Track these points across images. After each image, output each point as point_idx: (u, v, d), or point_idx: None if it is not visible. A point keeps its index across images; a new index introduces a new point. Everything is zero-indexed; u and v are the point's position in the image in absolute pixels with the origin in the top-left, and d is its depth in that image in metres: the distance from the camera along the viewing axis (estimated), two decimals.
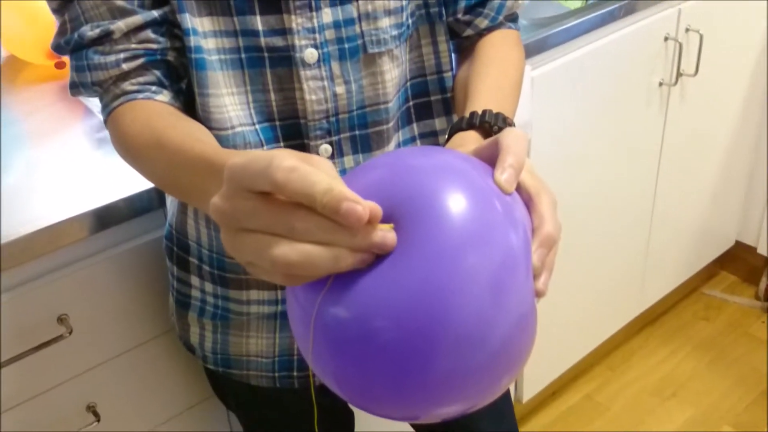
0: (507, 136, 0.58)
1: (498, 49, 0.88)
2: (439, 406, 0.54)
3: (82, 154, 1.10)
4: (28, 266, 0.97)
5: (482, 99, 0.78)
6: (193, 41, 0.75)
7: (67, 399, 1.06)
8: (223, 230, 0.48)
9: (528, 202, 0.58)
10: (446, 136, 0.76)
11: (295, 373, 0.93)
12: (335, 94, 0.79)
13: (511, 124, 0.74)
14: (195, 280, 0.92)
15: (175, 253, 0.94)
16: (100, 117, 1.14)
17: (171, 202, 0.93)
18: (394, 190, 0.53)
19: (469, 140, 0.71)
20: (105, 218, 0.99)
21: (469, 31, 0.89)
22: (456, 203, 0.51)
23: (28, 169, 1.08)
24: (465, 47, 0.91)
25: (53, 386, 1.04)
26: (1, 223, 0.95)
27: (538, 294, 0.56)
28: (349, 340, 0.51)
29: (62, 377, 1.04)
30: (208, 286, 0.91)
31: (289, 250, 0.46)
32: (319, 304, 0.52)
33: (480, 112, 0.73)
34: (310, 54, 0.77)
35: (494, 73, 0.83)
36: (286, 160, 0.45)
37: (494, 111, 0.73)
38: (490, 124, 0.72)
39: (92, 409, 1.08)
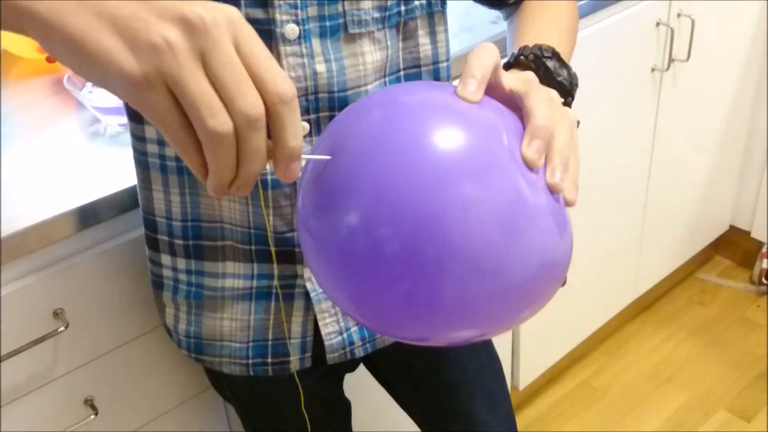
0: (471, 53, 0.58)
1: (544, 4, 0.87)
2: (449, 329, 0.56)
3: (75, 148, 1.10)
4: (22, 261, 0.97)
5: (525, 43, 0.77)
6: None
7: (64, 393, 1.06)
8: (180, 40, 0.46)
9: (521, 106, 0.58)
10: None
11: (269, 360, 0.92)
12: (315, 72, 0.78)
13: (556, 53, 0.71)
14: (166, 259, 0.92)
15: (145, 233, 0.93)
16: (93, 111, 1.14)
17: (138, 182, 0.91)
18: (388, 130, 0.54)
19: None
20: (98, 213, 0.99)
21: None
22: (458, 137, 0.53)
23: (20, 164, 1.08)
24: (513, 12, 0.91)
25: (50, 380, 1.04)
26: None
27: (555, 189, 0.55)
28: (360, 258, 0.53)
29: (59, 371, 1.04)
30: (181, 263, 0.90)
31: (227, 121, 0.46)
32: (325, 224, 0.55)
33: (516, 51, 0.73)
34: (291, 30, 0.76)
35: (539, 24, 0.83)
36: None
37: (530, 45, 0.72)
38: (525, 56, 0.71)
39: (90, 403, 1.09)
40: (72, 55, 0.47)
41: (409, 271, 0.52)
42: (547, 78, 0.71)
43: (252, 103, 0.47)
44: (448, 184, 0.51)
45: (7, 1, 0.48)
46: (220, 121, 0.46)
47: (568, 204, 0.57)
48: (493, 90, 0.60)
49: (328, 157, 0.55)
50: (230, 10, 0.47)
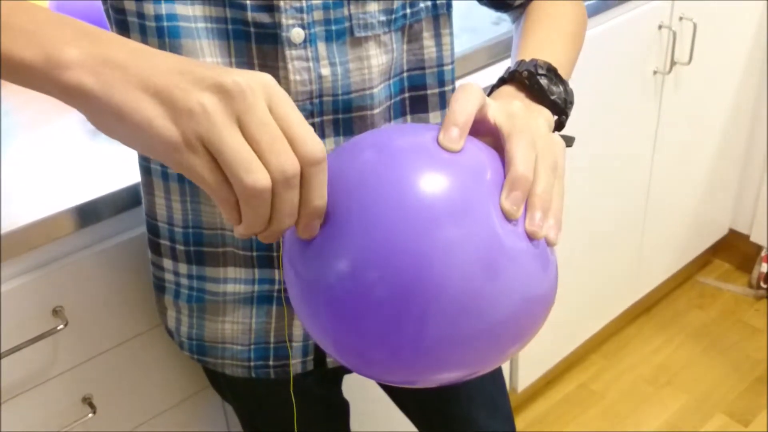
0: (454, 96, 0.59)
1: (550, 9, 0.87)
2: (436, 371, 0.56)
3: (75, 146, 1.10)
4: (22, 259, 0.97)
5: (525, 54, 0.77)
6: (165, 9, 0.73)
7: (63, 391, 1.06)
8: (216, 104, 0.48)
9: (503, 145, 0.59)
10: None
11: (271, 363, 0.92)
12: (320, 76, 0.78)
13: (552, 69, 0.72)
14: (167, 263, 0.91)
15: (147, 237, 0.93)
16: None
17: (141, 186, 0.91)
18: (376, 171, 0.56)
19: (502, 95, 0.71)
20: (98, 211, 0.99)
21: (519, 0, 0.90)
22: (437, 182, 0.54)
23: (20, 161, 1.08)
24: (519, 15, 0.91)
25: (49, 378, 1.04)
26: None
27: (534, 236, 0.56)
28: (346, 300, 0.54)
29: (58, 369, 1.04)
30: (182, 267, 0.90)
31: (264, 177, 0.48)
32: (310, 266, 0.56)
33: (513, 65, 0.73)
34: (297, 34, 0.76)
35: (542, 30, 0.83)
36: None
37: (527, 59, 0.73)
38: (519, 72, 0.71)
39: (88, 401, 1.08)
40: (119, 125, 0.50)
41: (391, 313, 0.53)
42: (540, 96, 0.71)
43: (288, 160, 0.49)
44: (429, 229, 0.52)
45: (59, 78, 0.50)
46: (257, 177, 0.48)
47: (549, 244, 0.58)
48: (479, 124, 0.60)
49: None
50: (264, 76, 0.50)
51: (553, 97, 0.70)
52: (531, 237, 0.56)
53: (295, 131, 0.50)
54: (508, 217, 0.55)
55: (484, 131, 0.61)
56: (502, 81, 0.73)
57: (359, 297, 0.53)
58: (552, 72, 0.72)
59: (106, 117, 0.50)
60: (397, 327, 0.53)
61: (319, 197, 0.52)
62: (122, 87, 0.49)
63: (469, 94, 0.59)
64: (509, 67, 0.73)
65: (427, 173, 0.54)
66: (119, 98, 0.49)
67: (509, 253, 0.54)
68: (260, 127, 0.48)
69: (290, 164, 0.49)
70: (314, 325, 0.57)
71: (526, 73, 0.71)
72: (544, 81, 0.71)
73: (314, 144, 0.50)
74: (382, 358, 0.55)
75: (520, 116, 0.62)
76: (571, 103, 0.73)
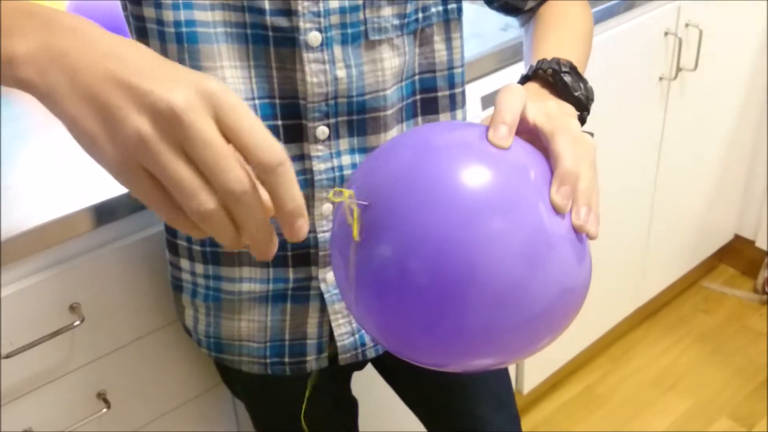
0: (500, 96, 0.60)
1: (561, 10, 0.89)
2: (470, 358, 0.58)
3: None
4: (40, 256, 0.99)
5: (543, 54, 0.79)
6: (183, 15, 0.75)
7: (78, 386, 1.08)
8: (151, 132, 0.45)
9: (547, 146, 0.61)
10: None
11: (287, 360, 0.94)
12: (336, 78, 0.80)
13: (573, 67, 0.74)
14: (185, 263, 0.94)
15: (165, 237, 0.95)
16: None
17: None
18: (419, 170, 0.57)
19: (530, 92, 0.72)
20: (115, 210, 1.01)
21: (530, 3, 0.92)
22: (486, 175, 0.55)
23: (36, 162, 1.09)
24: (529, 18, 0.93)
25: (65, 374, 1.06)
26: (11, 215, 0.97)
27: (580, 230, 0.58)
28: (391, 287, 0.55)
29: (74, 365, 1.06)
30: (199, 267, 0.92)
31: (210, 201, 0.46)
32: (358, 254, 0.57)
33: (535, 63, 0.75)
34: (314, 37, 0.78)
35: (556, 31, 0.85)
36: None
37: (548, 58, 0.75)
38: (544, 70, 0.74)
39: (102, 397, 1.10)
40: (69, 129, 0.49)
41: (436, 302, 0.54)
42: (565, 93, 0.73)
43: (234, 179, 0.46)
44: (475, 219, 0.53)
45: (11, 73, 0.49)
46: (200, 201, 0.46)
47: (591, 237, 0.60)
48: (519, 123, 0.62)
49: (366, 203, 0.56)
50: (208, 83, 0.46)
51: (576, 94, 0.73)
52: (577, 231, 0.58)
53: (247, 140, 0.46)
54: (558, 211, 0.57)
55: (522, 130, 0.63)
56: (526, 78, 0.76)
57: (404, 284, 0.54)
58: (573, 70, 0.75)
59: (59, 117, 0.49)
60: (439, 315, 0.54)
61: (291, 199, 0.48)
62: (68, 95, 0.47)
63: (515, 94, 0.60)
64: (531, 65, 0.75)
65: (477, 167, 0.55)
66: (64, 106, 0.48)
67: (553, 246, 0.56)
68: (201, 149, 0.45)
69: (237, 183, 0.46)
70: (359, 307, 0.59)
71: (550, 71, 0.73)
72: (567, 78, 0.73)
73: (269, 150, 0.46)
74: (421, 342, 0.57)
75: (557, 116, 0.63)
76: (592, 99, 0.76)
